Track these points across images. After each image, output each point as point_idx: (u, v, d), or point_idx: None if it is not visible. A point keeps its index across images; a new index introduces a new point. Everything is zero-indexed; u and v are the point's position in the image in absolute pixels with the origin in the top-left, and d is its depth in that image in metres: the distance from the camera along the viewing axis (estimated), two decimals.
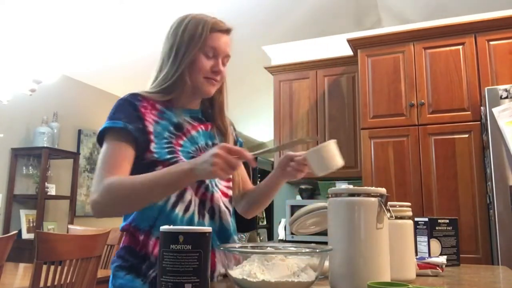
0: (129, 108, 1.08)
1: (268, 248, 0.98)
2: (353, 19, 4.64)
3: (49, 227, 4.08)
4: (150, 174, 0.98)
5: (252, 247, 0.99)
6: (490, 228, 2.54)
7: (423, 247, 1.39)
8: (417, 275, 1.12)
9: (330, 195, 0.95)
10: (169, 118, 1.12)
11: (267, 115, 4.18)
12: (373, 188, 0.91)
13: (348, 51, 3.34)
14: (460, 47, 2.81)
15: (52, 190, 4.07)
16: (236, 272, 0.84)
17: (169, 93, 1.13)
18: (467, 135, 2.70)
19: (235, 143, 1.26)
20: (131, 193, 0.97)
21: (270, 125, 3.68)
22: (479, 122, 2.68)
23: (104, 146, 1.06)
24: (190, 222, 1.07)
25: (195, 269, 0.70)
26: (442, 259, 1.19)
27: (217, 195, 1.13)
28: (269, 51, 4.07)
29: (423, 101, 2.81)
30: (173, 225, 1.00)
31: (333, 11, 4.44)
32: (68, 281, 1.85)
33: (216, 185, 1.14)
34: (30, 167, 3.99)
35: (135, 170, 1.04)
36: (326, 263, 0.91)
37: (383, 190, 0.91)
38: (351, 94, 3.38)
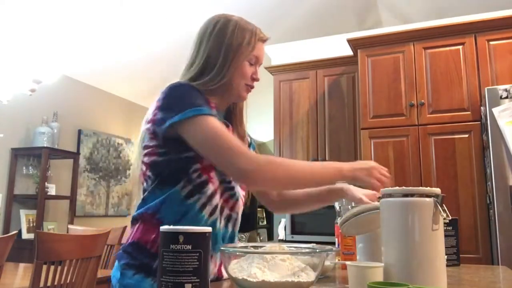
0: (201, 96, 1.06)
1: (268, 248, 0.98)
2: (353, 19, 4.63)
3: (49, 227, 4.08)
4: (305, 162, 1.08)
5: (252, 247, 0.99)
6: (490, 228, 2.54)
7: None
8: None
9: (383, 196, 0.91)
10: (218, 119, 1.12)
11: (267, 115, 4.17)
12: (428, 188, 0.87)
13: (348, 51, 3.34)
14: (460, 47, 2.81)
15: (52, 190, 4.07)
16: (236, 272, 0.84)
17: (216, 95, 1.12)
18: (467, 135, 2.70)
19: (249, 146, 1.27)
20: (295, 171, 1.03)
21: (270, 125, 3.68)
22: (479, 122, 2.68)
23: (206, 124, 1.00)
24: (213, 225, 1.06)
25: (195, 269, 0.70)
26: None
27: (239, 203, 1.14)
28: (269, 51, 4.07)
29: (423, 101, 2.81)
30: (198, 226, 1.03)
31: (333, 11, 4.44)
32: (68, 281, 1.85)
33: (240, 193, 1.15)
34: (30, 167, 3.99)
35: (173, 162, 1.03)
36: (326, 263, 0.91)
37: (438, 190, 0.87)
38: (351, 94, 3.38)
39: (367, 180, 1.06)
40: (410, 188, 0.87)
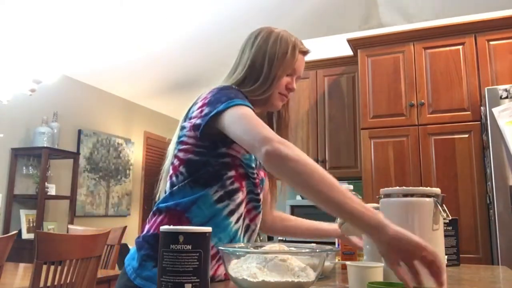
0: (244, 97, 1.06)
1: (268, 248, 0.98)
2: (353, 19, 4.63)
3: (49, 227, 4.08)
4: (335, 182, 0.85)
5: (252, 247, 0.99)
6: (490, 228, 2.54)
7: None
8: None
9: (382, 196, 0.91)
10: None
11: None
12: (428, 188, 0.86)
13: (348, 51, 3.34)
14: (460, 47, 2.81)
15: (52, 190, 4.07)
16: (236, 272, 0.83)
17: (255, 105, 1.11)
18: (467, 135, 2.70)
19: None
20: (312, 173, 0.85)
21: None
22: (479, 122, 2.68)
23: (246, 111, 0.98)
24: (236, 233, 1.07)
25: (195, 269, 0.70)
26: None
27: (260, 217, 1.15)
28: None
29: (423, 101, 2.81)
30: (223, 232, 1.04)
31: (333, 11, 4.44)
32: (68, 281, 1.85)
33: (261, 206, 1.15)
34: (30, 167, 3.99)
35: (210, 165, 1.04)
36: (326, 263, 0.90)
37: (438, 190, 0.87)
38: (351, 94, 3.38)
39: (394, 259, 0.78)
40: (410, 188, 0.86)
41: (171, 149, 1.13)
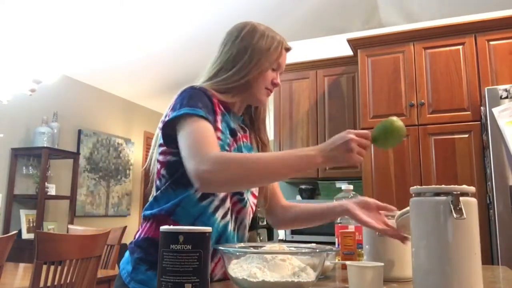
0: (205, 98, 1.06)
1: (268, 248, 0.98)
2: (353, 19, 4.64)
3: (49, 227, 4.08)
4: (270, 154, 1.01)
5: (252, 247, 0.99)
6: (490, 228, 2.54)
7: None
8: None
9: (413, 195, 0.87)
10: (227, 121, 1.12)
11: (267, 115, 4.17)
12: (464, 186, 0.83)
13: (348, 51, 3.34)
14: (460, 47, 2.81)
15: (52, 190, 4.07)
16: (236, 272, 0.84)
17: (233, 95, 1.13)
18: (467, 135, 2.70)
19: None
20: (252, 167, 0.93)
21: (270, 125, 3.67)
22: (479, 122, 2.68)
23: (190, 124, 0.99)
24: (225, 229, 1.07)
25: (195, 269, 0.70)
26: None
27: (248, 209, 1.14)
28: None
29: (423, 101, 2.81)
30: (215, 229, 1.04)
31: (333, 11, 4.45)
32: (68, 281, 1.85)
33: (249, 199, 1.15)
34: (30, 167, 4.00)
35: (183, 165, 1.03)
36: (326, 263, 0.90)
37: (472, 189, 0.84)
38: (351, 94, 3.38)
39: (347, 159, 0.94)
40: (442, 186, 0.82)
41: (153, 153, 1.13)
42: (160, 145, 1.09)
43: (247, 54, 1.12)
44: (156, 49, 4.31)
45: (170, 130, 1.04)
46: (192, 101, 1.03)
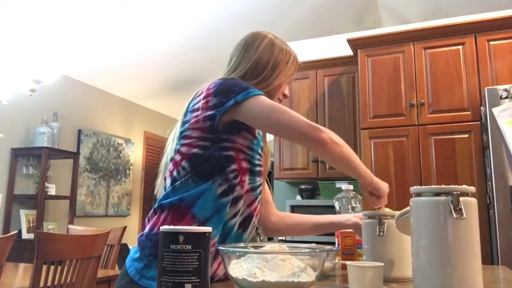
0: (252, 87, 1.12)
1: (268, 248, 0.98)
2: (353, 19, 4.64)
3: (49, 227, 4.08)
4: (354, 154, 1.12)
5: (252, 247, 0.99)
6: (490, 228, 2.54)
7: None
8: None
9: (413, 195, 0.87)
10: None
11: None
12: (464, 186, 0.83)
13: (348, 51, 3.34)
14: (460, 47, 2.81)
15: (52, 190, 4.07)
16: (236, 272, 0.84)
17: None
18: (467, 135, 2.70)
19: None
20: (350, 153, 1.07)
21: None
22: (479, 122, 2.68)
23: (271, 102, 1.05)
24: (232, 227, 1.09)
25: (195, 269, 0.70)
26: None
27: (258, 209, 1.17)
28: None
29: (423, 101, 2.81)
30: (224, 228, 1.05)
31: (333, 11, 4.45)
32: (68, 281, 1.85)
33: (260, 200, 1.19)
34: (30, 167, 4.00)
35: (213, 158, 1.05)
36: (326, 263, 0.90)
37: (472, 189, 0.83)
38: (351, 94, 3.38)
39: (383, 190, 1.12)
40: (443, 186, 0.82)
41: (171, 145, 1.13)
42: (184, 137, 1.09)
43: (269, 67, 1.19)
44: (156, 49, 4.31)
45: (229, 114, 1.04)
46: (250, 86, 1.08)
